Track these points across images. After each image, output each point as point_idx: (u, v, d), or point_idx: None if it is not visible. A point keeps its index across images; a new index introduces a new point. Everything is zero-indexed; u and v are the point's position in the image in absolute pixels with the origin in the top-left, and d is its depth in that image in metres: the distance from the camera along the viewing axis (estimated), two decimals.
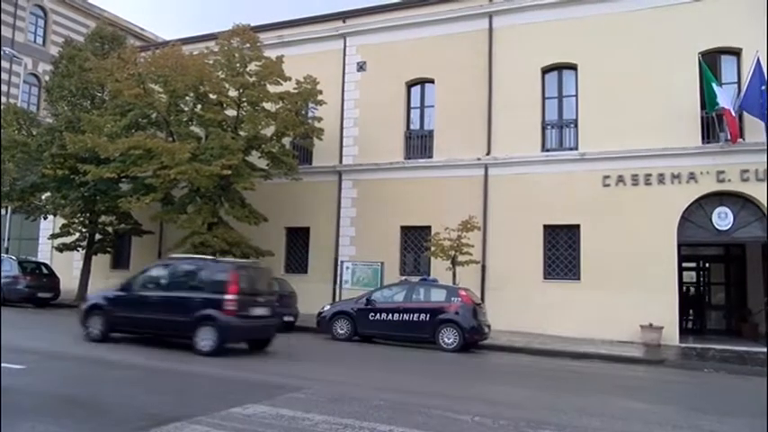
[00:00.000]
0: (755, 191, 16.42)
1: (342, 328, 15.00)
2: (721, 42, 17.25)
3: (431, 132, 20.47)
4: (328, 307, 15.87)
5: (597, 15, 18.43)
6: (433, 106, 20.64)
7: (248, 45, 19.38)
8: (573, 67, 18.83)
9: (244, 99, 19.09)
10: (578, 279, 17.74)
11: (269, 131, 19.62)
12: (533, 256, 18.21)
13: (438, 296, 14.57)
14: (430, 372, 11.26)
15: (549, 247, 18.34)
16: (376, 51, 21.29)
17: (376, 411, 7.03)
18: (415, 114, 21.24)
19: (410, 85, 21.09)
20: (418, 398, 8.08)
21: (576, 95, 18.69)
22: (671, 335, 16.54)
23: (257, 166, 19.74)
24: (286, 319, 16.31)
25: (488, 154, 19.18)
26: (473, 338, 14.10)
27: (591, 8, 18.53)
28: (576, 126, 18.58)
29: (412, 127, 21.12)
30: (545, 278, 18.13)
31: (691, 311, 21.93)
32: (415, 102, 21.22)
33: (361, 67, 21.56)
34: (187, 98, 19.92)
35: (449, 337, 13.89)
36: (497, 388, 9.83)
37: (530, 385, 10.22)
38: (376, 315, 14.68)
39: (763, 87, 15.52)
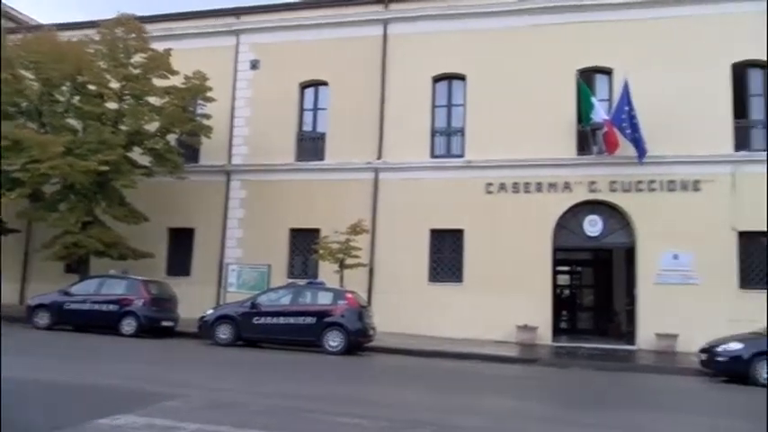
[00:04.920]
0: (622, 200, 17.78)
1: (224, 332, 14.56)
2: (596, 62, 18.54)
3: (323, 135, 20.44)
4: (211, 311, 15.36)
5: (486, 30, 19.19)
6: (325, 109, 20.63)
7: (133, 35, 18.44)
8: (462, 78, 19.51)
9: (126, 92, 18.16)
10: (461, 282, 18.37)
11: (153, 127, 18.77)
12: (420, 259, 18.66)
13: (324, 299, 14.55)
14: (313, 375, 11.20)
15: (434, 251, 18.87)
16: (270, 50, 20.96)
17: (255, 417, 6.88)
18: (307, 116, 21.12)
19: (304, 86, 20.95)
20: (300, 402, 8.00)
21: (464, 105, 19.37)
22: (545, 334, 17.54)
23: (139, 163, 18.82)
24: (165, 324, 15.69)
25: (379, 158, 19.43)
26: (358, 341, 14.20)
27: (480, 22, 19.29)
28: (464, 134, 19.25)
29: (304, 129, 21.00)
30: (430, 281, 18.63)
31: (564, 312, 23.35)
32: (309, 103, 21.11)
33: (253, 65, 21.14)
34: (63, 88, 18.61)
35: (334, 340, 13.89)
36: (380, 390, 9.94)
37: (412, 386, 10.42)
38: (261, 319, 14.42)
39: (626, 108, 16.84)
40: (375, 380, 11.41)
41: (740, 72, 17.91)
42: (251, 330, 14.48)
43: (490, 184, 18.49)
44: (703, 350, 13.17)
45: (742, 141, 17.66)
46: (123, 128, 18.11)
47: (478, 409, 8.38)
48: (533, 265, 17.77)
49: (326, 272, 17.48)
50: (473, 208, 18.42)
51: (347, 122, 19.83)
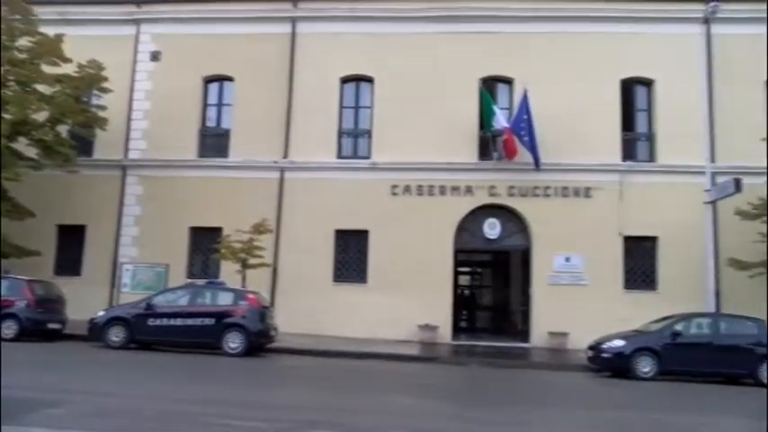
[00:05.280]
0: (520, 205, 18.57)
1: (117, 335, 13.85)
2: (498, 71, 19.25)
3: (227, 131, 19.93)
4: (102, 312, 14.56)
5: (394, 34, 19.43)
6: (231, 105, 20.12)
7: (19, 17, 17.17)
8: (369, 80, 19.65)
9: (11, 77, 16.87)
10: (366, 282, 18.51)
11: (42, 117, 17.57)
12: (325, 259, 18.63)
13: (225, 300, 14.19)
14: (211, 378, 10.89)
15: (339, 252, 18.89)
16: (172, 42, 20.17)
17: (145, 423, 6.61)
18: (211, 112, 20.53)
19: (208, 80, 20.34)
20: (194, 406, 7.75)
21: (372, 107, 19.52)
22: (445, 333, 18.01)
23: (25, 154, 17.54)
24: (52, 326, 14.74)
25: (285, 157, 19.20)
26: (260, 342, 13.98)
27: (389, 26, 19.50)
28: (370, 136, 19.40)
29: (208, 124, 20.39)
30: (335, 281, 18.63)
31: (464, 312, 24.07)
32: (213, 99, 20.52)
33: (154, 56, 20.27)
34: None
35: (234, 342, 13.57)
36: (280, 391, 9.83)
37: (312, 387, 10.39)
38: (156, 320, 13.84)
39: (525, 116, 17.63)
40: (275, 381, 11.26)
41: (628, 87, 19.20)
42: (145, 332, 13.88)
43: (395, 186, 18.75)
44: (590, 347, 14.00)
45: (629, 152, 18.92)
46: (7, 116, 16.81)
47: (378, 408, 8.47)
48: (435, 266, 18.20)
49: (228, 272, 17.05)
50: (378, 209, 18.60)
51: (253, 120, 19.45)
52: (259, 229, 16.61)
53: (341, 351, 14.97)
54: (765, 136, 17.81)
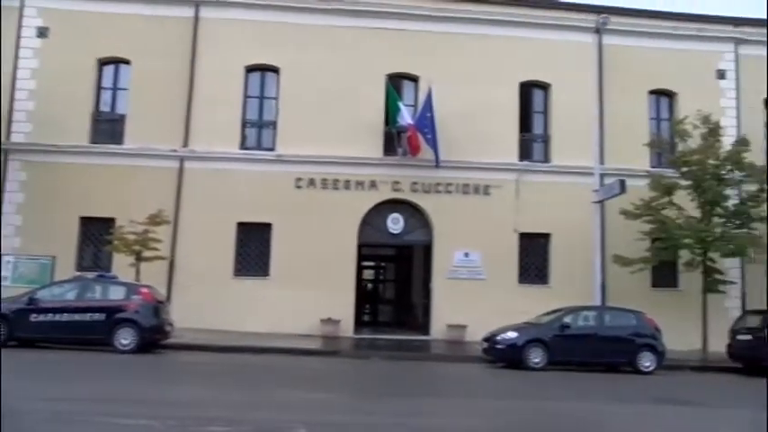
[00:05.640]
0: (422, 200, 18.93)
1: None
2: (404, 68, 19.48)
3: (123, 117, 18.93)
4: None
5: (302, 25, 19.15)
6: (127, 89, 19.12)
7: None
8: (275, 70, 19.30)
9: None
10: (268, 276, 18.23)
11: None
12: (225, 252, 18.15)
13: (116, 294, 13.46)
14: (100, 376, 10.35)
15: (241, 245, 18.46)
16: (62, 18, 18.84)
17: (30, 426, 6.18)
18: (106, 95, 19.42)
19: (102, 62, 19.20)
20: (80, 405, 7.35)
21: (277, 98, 19.20)
22: (348, 327, 18.06)
23: None
24: None
25: (185, 146, 18.51)
26: (154, 338, 13.41)
27: (297, 17, 19.17)
28: (275, 128, 19.08)
29: (102, 109, 19.27)
30: (236, 275, 18.21)
31: (367, 306, 24.29)
32: (108, 82, 19.40)
33: (41, 33, 18.87)
34: None
35: (126, 338, 12.91)
36: (173, 388, 9.47)
37: (208, 383, 10.11)
38: (40, 316, 12.92)
39: (429, 114, 17.98)
40: (169, 378, 10.84)
41: (526, 90, 20.03)
42: (27, 329, 12.92)
43: (300, 179, 18.57)
44: (485, 339, 14.53)
45: (525, 152, 19.74)
46: None
47: (277, 403, 8.39)
48: (339, 260, 18.21)
49: (121, 265, 16.23)
50: (282, 202, 18.34)
51: (151, 106, 18.53)
52: (155, 220, 15.94)
53: (241, 346, 14.66)
54: (648, 141, 19.29)
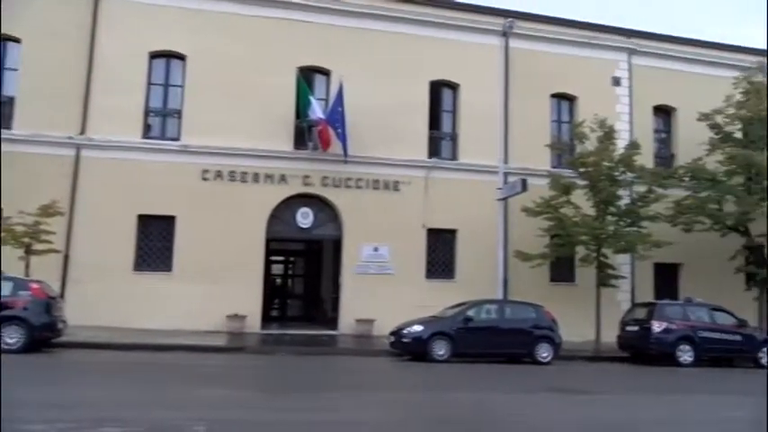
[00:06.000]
0: (332, 195, 18.90)
1: None
2: (316, 62, 19.33)
3: (11, 99, 17.63)
4: None
5: (211, 12, 18.55)
6: (17, 69, 17.82)
7: None
8: (182, 57, 18.62)
9: None
10: (171, 271, 17.61)
11: None
12: (125, 246, 17.34)
13: (2, 290, 12.56)
14: None
15: (142, 238, 17.71)
16: None
17: None
18: None
19: None
20: None
21: (183, 86, 18.53)
22: (255, 323, 17.75)
23: None
24: None
25: (83, 133, 17.51)
26: (44, 336, 12.62)
27: (206, 3, 18.55)
28: (180, 117, 18.42)
29: None
30: (136, 269, 17.45)
31: (276, 301, 23.99)
32: None
33: None
34: None
35: (12, 337, 12.02)
36: (64, 389, 8.95)
37: (102, 382, 9.65)
38: None
39: (339, 109, 17.96)
40: (60, 378, 10.23)
41: (436, 89, 20.42)
42: None
43: (206, 171, 18.03)
44: (392, 333, 14.73)
45: (434, 149, 20.16)
46: None
47: (178, 402, 8.12)
48: (246, 255, 17.85)
49: (9, 259, 15.11)
50: (187, 194, 17.75)
51: (45, 89, 17.34)
52: (48, 211, 15.00)
53: (140, 344, 14.06)
54: (549, 143, 20.20)
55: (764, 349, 16.38)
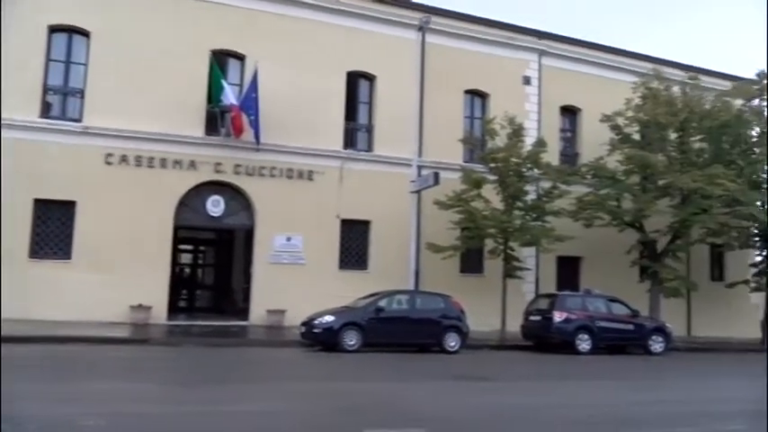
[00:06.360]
0: (245, 183, 18.51)
1: None
2: (230, 46, 18.81)
3: None
4: None
5: None
6: None
7: None
8: (86, 34, 17.61)
9: None
10: (70, 259, 16.68)
11: None
12: (19, 232, 16.19)
13: None
14: None
15: (38, 224, 16.64)
16: None
17: None
18: None
19: None
20: None
21: (86, 64, 17.53)
22: (161, 314, 17.16)
23: None
24: None
25: None
26: None
27: None
28: (83, 97, 17.44)
29: None
30: (31, 257, 16.39)
31: (184, 291, 23.27)
32: None
33: None
34: None
35: None
36: None
37: None
38: None
39: (254, 95, 17.59)
40: None
41: (353, 80, 20.38)
42: None
43: (110, 155, 17.18)
44: (303, 324, 14.66)
45: (350, 140, 20.16)
46: None
47: (69, 395, 7.72)
48: (152, 243, 17.19)
49: None
50: (89, 179, 16.85)
51: None
52: None
53: (38, 336, 13.22)
54: (461, 138, 20.66)
55: (654, 337, 17.54)
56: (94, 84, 17.34)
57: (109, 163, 17.17)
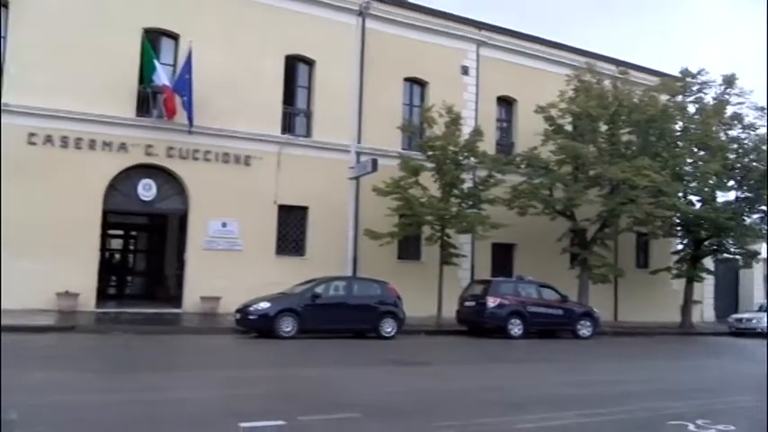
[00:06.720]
0: (178, 167, 18.01)
1: None
2: (164, 24, 18.18)
3: None
4: None
5: None
6: None
7: None
8: (4, 5, 16.58)
9: None
10: None
11: None
12: None
13: None
14: None
15: None
16: None
17: None
18: None
19: None
20: None
21: (5, 37, 16.55)
22: (89, 301, 16.56)
23: None
24: None
25: None
26: None
27: None
28: (2, 72, 16.41)
29: None
30: None
31: (113, 277, 22.53)
32: None
33: None
34: None
35: None
36: None
37: None
38: None
39: (187, 76, 17.09)
40: None
41: (292, 64, 20.09)
42: None
43: (34, 135, 16.35)
44: (238, 310, 14.44)
45: (288, 125, 19.90)
46: None
47: None
48: (80, 228, 16.49)
49: None
50: (11, 161, 15.75)
51: None
52: None
53: None
54: (400, 125, 20.70)
55: (582, 322, 18.21)
56: (16, 59, 16.36)
57: (32, 143, 16.36)
